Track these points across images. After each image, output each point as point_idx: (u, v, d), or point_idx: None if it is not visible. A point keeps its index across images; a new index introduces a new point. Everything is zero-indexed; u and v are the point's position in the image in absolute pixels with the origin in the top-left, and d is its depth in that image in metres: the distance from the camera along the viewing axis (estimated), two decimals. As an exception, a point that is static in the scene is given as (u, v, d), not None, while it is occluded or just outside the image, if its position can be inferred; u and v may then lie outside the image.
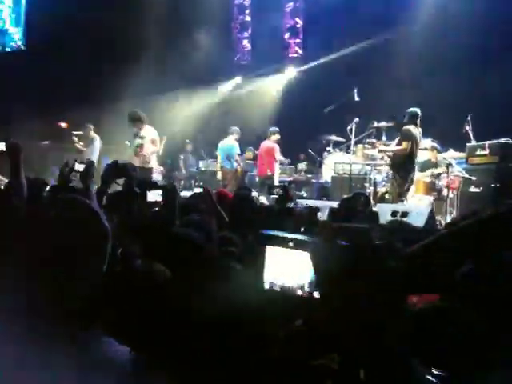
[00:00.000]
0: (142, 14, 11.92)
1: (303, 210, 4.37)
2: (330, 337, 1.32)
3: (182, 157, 12.22)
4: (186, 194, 6.07)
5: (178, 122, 12.24)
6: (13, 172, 2.69)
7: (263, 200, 7.28)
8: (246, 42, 14.35)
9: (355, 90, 8.56)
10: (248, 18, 14.19)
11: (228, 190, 6.96)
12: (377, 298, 1.22)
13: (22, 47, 14.36)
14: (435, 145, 8.00)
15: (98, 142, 9.62)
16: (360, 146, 9.27)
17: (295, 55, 13.65)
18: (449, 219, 7.06)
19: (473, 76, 9.36)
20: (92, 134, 9.66)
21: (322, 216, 4.74)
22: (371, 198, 7.11)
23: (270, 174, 9.30)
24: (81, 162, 3.26)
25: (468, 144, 7.62)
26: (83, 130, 9.73)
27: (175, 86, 12.33)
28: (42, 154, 10.76)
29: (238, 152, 9.83)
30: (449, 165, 7.34)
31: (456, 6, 9.89)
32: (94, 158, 9.20)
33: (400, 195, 7.05)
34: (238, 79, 14.14)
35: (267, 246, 1.38)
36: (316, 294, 1.32)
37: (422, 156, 7.84)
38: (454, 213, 7.30)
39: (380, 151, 8.15)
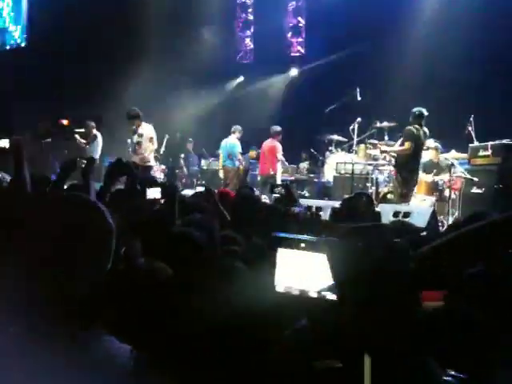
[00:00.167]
0: (143, 12, 11.90)
1: (307, 213, 4.35)
2: (334, 339, 1.30)
3: (183, 155, 12.22)
4: (187, 192, 6.05)
5: (180, 120, 12.23)
6: (16, 169, 2.67)
7: (265, 199, 7.25)
8: (248, 41, 14.36)
9: (357, 90, 8.53)
10: (250, 17, 14.21)
11: (230, 189, 6.95)
12: (398, 299, 1.20)
13: (23, 45, 14.37)
14: (437, 145, 7.97)
15: (100, 139, 9.66)
16: (362, 145, 9.25)
17: (297, 54, 13.66)
18: (451, 220, 7.04)
19: (476, 76, 9.34)
20: (94, 131, 9.69)
21: (324, 216, 4.73)
22: (373, 198, 7.08)
23: (272, 172, 9.28)
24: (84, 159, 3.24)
25: (470, 145, 7.59)
26: (85, 128, 9.75)
27: (177, 84, 12.33)
28: (43, 151, 10.75)
29: (240, 150, 9.81)
30: (451, 165, 7.32)
31: (458, 4, 9.87)
32: (97, 155, 9.24)
33: (402, 195, 7.00)
34: (240, 78, 14.14)
35: (278, 249, 1.34)
36: (334, 297, 1.27)
37: (423, 156, 7.81)
38: (456, 214, 7.29)
39: (382, 152, 8.11)
